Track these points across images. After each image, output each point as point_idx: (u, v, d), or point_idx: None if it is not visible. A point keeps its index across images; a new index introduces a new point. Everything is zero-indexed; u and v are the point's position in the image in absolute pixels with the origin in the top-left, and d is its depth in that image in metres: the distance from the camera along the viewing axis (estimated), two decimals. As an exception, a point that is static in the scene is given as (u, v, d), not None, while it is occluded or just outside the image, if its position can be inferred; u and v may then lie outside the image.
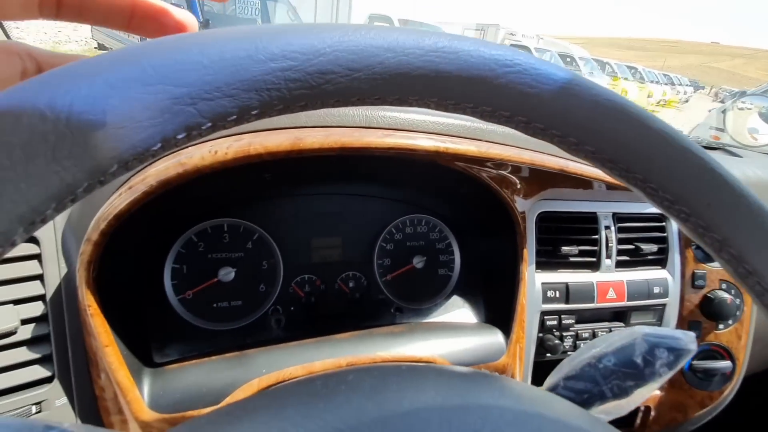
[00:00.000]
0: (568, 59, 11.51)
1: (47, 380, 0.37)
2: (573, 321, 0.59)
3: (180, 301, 0.49)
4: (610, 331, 0.61)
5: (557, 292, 0.58)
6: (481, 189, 0.52)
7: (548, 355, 0.59)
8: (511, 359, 0.53)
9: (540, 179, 0.54)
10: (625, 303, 0.60)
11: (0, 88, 0.19)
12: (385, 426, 0.16)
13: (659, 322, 0.62)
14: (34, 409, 0.36)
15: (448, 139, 0.44)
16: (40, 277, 0.39)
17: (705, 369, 0.62)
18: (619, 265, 0.61)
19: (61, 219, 0.40)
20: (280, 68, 0.14)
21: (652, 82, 15.21)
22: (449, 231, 0.62)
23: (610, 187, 0.59)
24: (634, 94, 12.39)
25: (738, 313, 0.63)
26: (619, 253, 0.61)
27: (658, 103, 14.29)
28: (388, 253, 0.59)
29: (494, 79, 0.16)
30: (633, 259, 0.62)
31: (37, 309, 0.38)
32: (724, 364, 0.62)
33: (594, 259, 0.60)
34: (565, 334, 0.59)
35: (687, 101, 18.80)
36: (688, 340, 0.30)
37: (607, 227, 0.61)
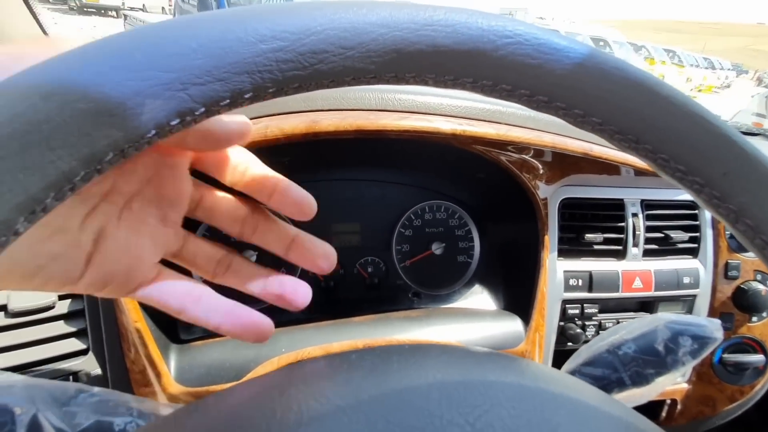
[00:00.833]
0: (601, 43, 11.03)
1: (82, 352, 0.39)
2: (596, 310, 0.57)
3: (204, 283, 0.51)
4: (635, 321, 0.59)
5: (580, 281, 0.57)
6: (501, 174, 0.51)
7: (569, 344, 0.58)
8: (530, 346, 0.52)
9: (563, 164, 0.53)
10: (652, 293, 0.58)
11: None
12: (384, 402, 0.16)
13: (689, 313, 0.60)
14: (70, 379, 0.39)
15: (465, 122, 0.43)
16: None
17: (736, 362, 0.59)
18: (647, 253, 0.59)
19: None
20: (271, 49, 0.14)
21: (691, 66, 14.40)
22: (469, 218, 0.61)
23: (638, 172, 0.57)
24: (672, 79, 11.79)
25: (774, 306, 0.60)
26: (647, 241, 0.59)
27: (698, 88, 13.53)
28: (407, 239, 0.59)
29: (493, 51, 0.15)
30: (662, 247, 0.59)
31: None
32: (757, 357, 0.60)
33: (620, 248, 0.58)
34: (587, 323, 0.58)
35: (728, 86, 17.72)
36: (714, 327, 0.29)
37: (635, 215, 0.59)
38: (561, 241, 0.56)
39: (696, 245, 0.60)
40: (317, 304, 0.57)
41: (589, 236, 0.56)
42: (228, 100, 0.15)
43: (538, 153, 0.50)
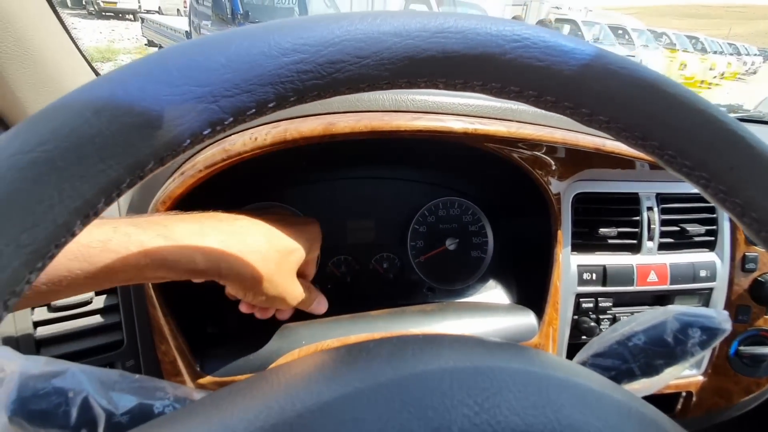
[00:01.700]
0: (620, 31, 10.72)
1: (118, 344, 0.42)
2: (610, 304, 0.58)
3: None
4: (650, 314, 0.59)
5: (594, 275, 0.57)
6: (514, 170, 0.52)
7: (584, 337, 0.58)
8: (543, 340, 0.53)
9: (575, 159, 0.53)
10: (667, 286, 0.58)
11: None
12: (400, 384, 0.17)
13: (705, 306, 0.60)
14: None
15: (477, 121, 0.44)
16: None
17: (752, 354, 0.59)
18: (663, 247, 0.59)
19: (124, 203, 0.45)
20: (292, 61, 0.15)
21: (715, 52, 13.87)
22: (482, 214, 0.62)
23: (653, 166, 0.57)
24: (695, 67, 11.38)
25: (792, 298, 0.60)
26: (663, 235, 0.58)
27: (721, 75, 13.02)
28: (421, 235, 0.61)
29: (502, 55, 0.16)
30: (678, 241, 0.59)
31: None
32: (774, 350, 0.59)
33: (634, 242, 0.58)
34: (601, 317, 0.58)
35: (755, 72, 17.02)
36: (722, 319, 0.30)
37: (650, 208, 0.58)
38: (575, 235, 0.56)
39: (713, 238, 0.60)
40: (335, 299, 0.59)
41: (603, 230, 0.56)
42: (254, 110, 0.16)
43: (550, 149, 0.51)
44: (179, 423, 0.18)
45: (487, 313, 0.54)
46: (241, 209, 0.39)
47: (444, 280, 0.61)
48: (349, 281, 0.59)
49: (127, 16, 14.40)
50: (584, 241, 0.57)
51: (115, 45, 9.02)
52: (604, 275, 0.57)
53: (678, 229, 0.59)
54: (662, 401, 0.62)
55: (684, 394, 0.61)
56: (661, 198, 0.59)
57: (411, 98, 0.44)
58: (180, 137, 0.15)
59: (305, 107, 0.42)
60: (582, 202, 0.56)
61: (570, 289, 0.56)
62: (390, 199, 0.60)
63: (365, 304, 0.54)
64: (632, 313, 0.59)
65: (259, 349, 0.45)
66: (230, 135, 0.41)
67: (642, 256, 0.58)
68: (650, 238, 0.58)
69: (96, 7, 14.05)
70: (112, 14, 14.45)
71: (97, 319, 0.42)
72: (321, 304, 0.44)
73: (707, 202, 0.61)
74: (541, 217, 0.55)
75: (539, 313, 0.54)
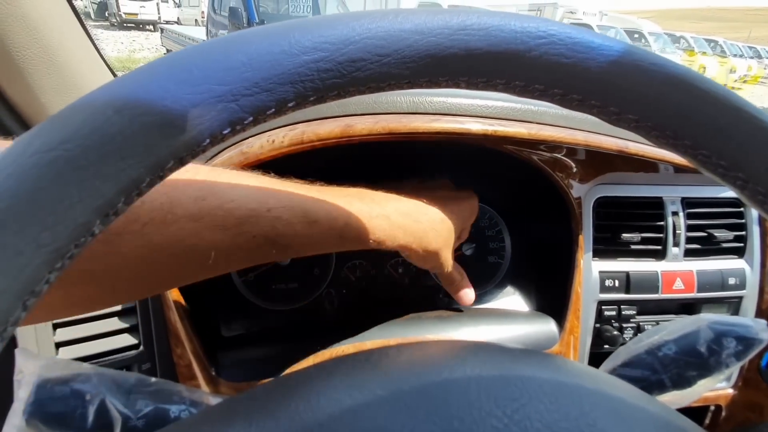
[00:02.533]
0: (636, 35, 10.60)
1: (134, 347, 0.42)
2: (634, 312, 0.56)
3: (243, 282, 0.53)
4: (677, 323, 0.57)
5: (616, 281, 0.55)
6: (533, 173, 0.51)
7: (606, 346, 0.56)
8: (564, 348, 0.52)
9: (597, 162, 0.52)
10: (694, 294, 0.56)
11: None
12: (423, 393, 0.17)
13: (734, 315, 0.57)
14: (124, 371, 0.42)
15: (496, 122, 0.43)
16: None
17: (788, 368, 0.56)
18: (689, 253, 0.56)
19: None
20: (312, 60, 0.15)
21: (735, 55, 13.57)
22: (499, 218, 0.61)
23: (678, 169, 0.55)
24: (714, 70, 11.15)
25: (829, 308, 0.57)
26: (689, 240, 0.56)
27: (742, 79, 12.72)
28: (437, 240, 0.60)
29: (526, 52, 0.16)
30: (705, 247, 0.57)
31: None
32: (811, 363, 0.56)
33: (659, 248, 0.56)
34: (625, 325, 0.56)
35: (778, 75, 16.59)
36: (759, 328, 0.28)
37: (675, 213, 0.57)
38: (596, 240, 0.55)
39: (742, 244, 0.57)
40: (350, 304, 0.59)
41: (626, 236, 0.55)
42: (273, 109, 0.16)
43: (571, 151, 0.49)
44: (194, 428, 0.18)
45: (506, 320, 0.53)
46: (408, 182, 0.43)
47: None
48: (364, 286, 0.58)
49: (147, 27, 14.85)
50: (606, 247, 0.55)
51: (136, 54, 9.29)
52: (628, 282, 0.55)
53: (705, 234, 0.57)
54: (690, 415, 0.60)
55: (713, 407, 0.59)
56: (687, 202, 0.57)
57: (429, 100, 0.44)
58: (199, 137, 0.15)
59: (322, 110, 0.42)
60: (604, 206, 0.55)
61: (591, 296, 0.54)
62: None
63: (381, 309, 0.53)
64: (657, 322, 0.57)
65: (275, 354, 0.45)
66: (247, 138, 0.41)
67: (667, 262, 0.56)
68: (676, 244, 0.56)
69: (118, 18, 14.53)
70: (133, 25, 14.91)
71: (114, 321, 0.42)
72: (468, 296, 0.49)
73: (735, 206, 0.59)
74: (560, 221, 0.54)
75: (559, 320, 0.53)
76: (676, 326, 0.32)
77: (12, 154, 0.13)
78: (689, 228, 0.56)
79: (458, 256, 0.59)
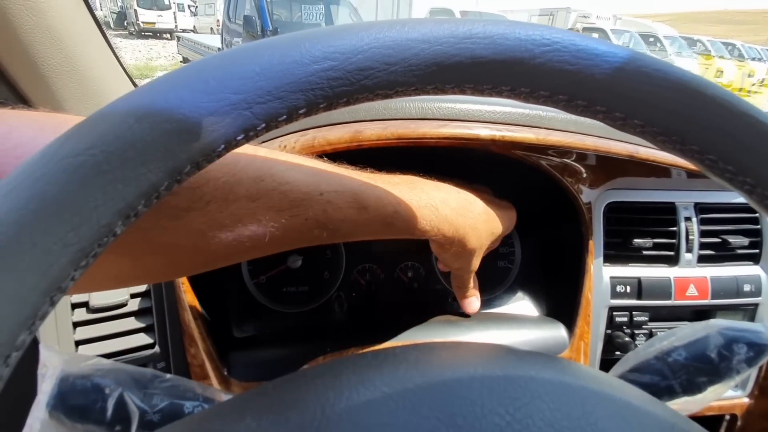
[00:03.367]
0: (651, 39, 10.46)
1: (150, 346, 0.43)
2: (646, 318, 0.55)
3: (255, 285, 0.54)
4: (690, 330, 0.56)
5: (628, 287, 0.55)
6: (543, 179, 0.51)
7: (617, 353, 0.56)
8: (574, 354, 0.51)
9: (607, 167, 0.52)
10: (708, 301, 0.55)
11: None
12: (428, 390, 0.17)
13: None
14: (139, 370, 0.43)
15: (504, 128, 0.44)
16: None
17: (806, 377, 0.55)
18: (702, 259, 0.56)
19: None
20: (322, 69, 0.15)
21: (753, 59, 13.27)
22: (509, 222, 0.61)
23: (691, 174, 0.54)
24: (732, 74, 10.92)
25: None
26: (703, 246, 0.56)
27: (760, 82, 12.43)
28: (447, 244, 0.60)
29: (531, 59, 0.16)
30: (719, 253, 0.56)
31: (142, 285, 0.45)
32: (831, 372, 0.55)
33: (671, 253, 0.55)
34: (636, 331, 0.56)
35: (800, 79, 16.15)
36: (772, 334, 0.28)
37: (688, 218, 0.56)
38: (607, 246, 0.54)
39: (757, 251, 0.56)
40: (359, 307, 0.59)
41: (637, 241, 0.54)
42: (285, 116, 0.16)
43: (581, 156, 0.49)
44: (207, 422, 0.18)
45: (515, 324, 0.53)
46: (449, 182, 0.42)
47: None
48: (373, 289, 0.58)
49: (164, 36, 15.21)
50: (617, 252, 0.55)
51: (153, 62, 9.51)
52: (639, 288, 0.54)
53: (719, 240, 0.56)
54: (704, 424, 0.59)
55: (728, 417, 0.58)
56: (701, 208, 0.56)
57: (437, 106, 0.44)
58: (215, 143, 0.16)
59: (333, 116, 0.43)
60: (615, 211, 0.54)
61: (602, 301, 0.54)
62: None
63: (389, 313, 0.53)
64: (670, 329, 0.56)
65: (285, 355, 0.45)
66: (260, 144, 0.42)
67: (680, 268, 0.55)
68: (689, 250, 0.55)
69: (136, 27, 14.92)
70: (150, 34, 15.28)
71: (131, 321, 0.43)
72: (473, 304, 0.48)
73: (750, 212, 0.58)
74: (571, 226, 0.54)
75: (570, 326, 0.52)
76: (686, 332, 0.32)
77: (41, 159, 0.14)
78: (703, 234, 0.55)
79: (468, 260, 0.60)
